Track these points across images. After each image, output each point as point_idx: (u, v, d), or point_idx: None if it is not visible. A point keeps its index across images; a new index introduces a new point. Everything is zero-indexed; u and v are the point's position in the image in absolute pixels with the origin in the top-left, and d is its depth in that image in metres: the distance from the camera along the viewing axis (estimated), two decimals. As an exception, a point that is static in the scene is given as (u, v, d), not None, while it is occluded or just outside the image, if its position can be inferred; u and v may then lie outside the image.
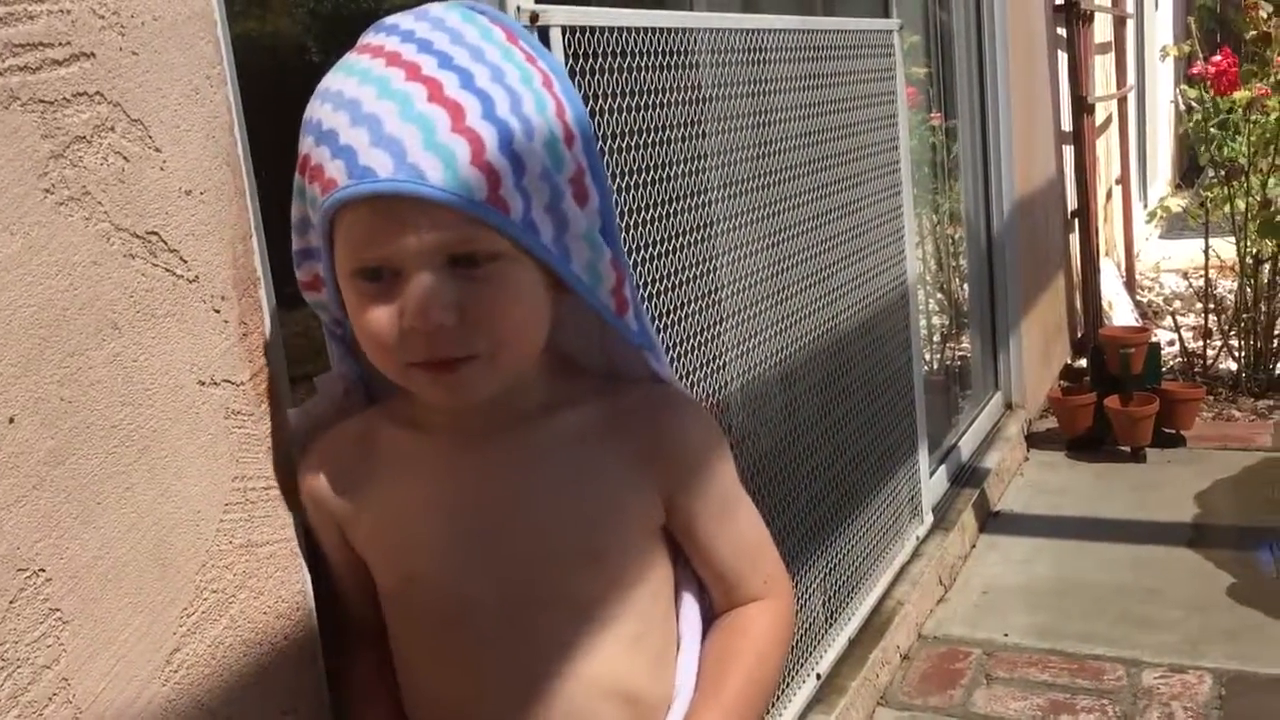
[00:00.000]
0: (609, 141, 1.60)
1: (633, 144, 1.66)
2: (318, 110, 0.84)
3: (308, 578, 0.99)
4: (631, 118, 1.65)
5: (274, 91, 1.23)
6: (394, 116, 0.79)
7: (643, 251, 1.71)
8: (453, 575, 0.92)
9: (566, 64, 1.46)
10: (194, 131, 0.88)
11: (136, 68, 0.83)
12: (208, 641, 0.88)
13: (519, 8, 1.38)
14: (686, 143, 1.83)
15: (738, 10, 2.33)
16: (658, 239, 1.74)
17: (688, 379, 1.78)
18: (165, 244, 0.85)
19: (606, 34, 1.54)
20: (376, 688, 1.00)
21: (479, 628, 0.92)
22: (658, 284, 1.75)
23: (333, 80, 0.85)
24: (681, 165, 1.81)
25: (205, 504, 0.88)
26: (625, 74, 1.62)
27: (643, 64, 1.67)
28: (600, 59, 1.53)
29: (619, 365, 0.99)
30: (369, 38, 0.89)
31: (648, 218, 1.71)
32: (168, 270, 0.85)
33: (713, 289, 1.91)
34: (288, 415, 1.00)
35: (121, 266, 0.82)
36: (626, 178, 1.65)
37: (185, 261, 0.87)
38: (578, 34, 1.49)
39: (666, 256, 1.77)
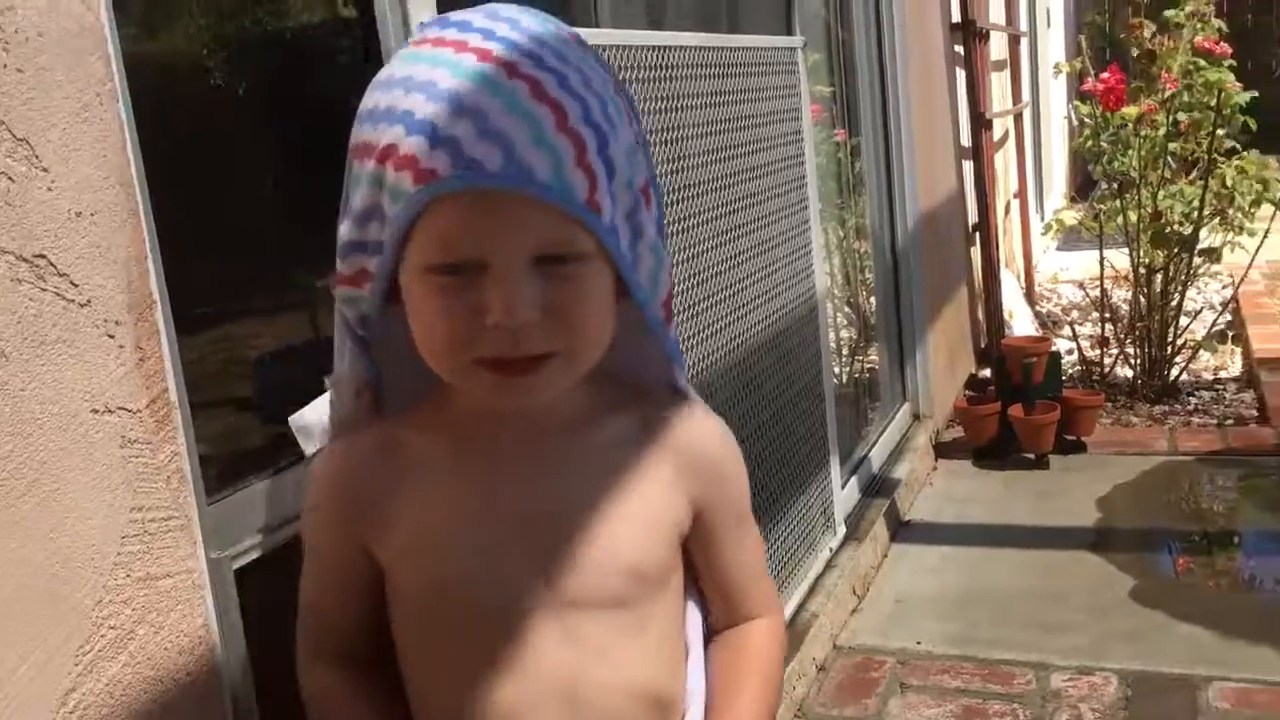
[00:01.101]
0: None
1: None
2: (401, 99, 0.81)
3: (212, 610, 0.96)
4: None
5: (171, 110, 1.20)
6: (500, 110, 0.78)
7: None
8: (496, 583, 0.90)
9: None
10: (83, 151, 0.85)
11: (21, 85, 0.80)
12: (105, 680, 0.85)
13: (423, 24, 1.36)
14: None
15: (643, 27, 2.33)
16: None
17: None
18: (54, 267, 0.82)
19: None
20: (361, 707, 0.97)
21: (519, 635, 0.90)
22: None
23: (412, 70, 0.83)
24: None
25: (101, 537, 0.85)
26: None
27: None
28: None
29: (641, 375, 0.99)
30: (438, 32, 0.86)
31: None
32: (57, 294, 0.82)
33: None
34: (302, 420, 0.95)
35: (8, 291, 0.78)
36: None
37: (76, 285, 0.84)
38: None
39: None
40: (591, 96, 0.83)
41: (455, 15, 0.87)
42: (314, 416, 0.98)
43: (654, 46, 1.96)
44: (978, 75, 4.51)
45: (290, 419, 0.98)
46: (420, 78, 0.81)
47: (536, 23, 0.86)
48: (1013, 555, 3.05)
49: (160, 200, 0.98)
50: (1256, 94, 4.26)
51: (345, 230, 0.87)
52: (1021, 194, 5.87)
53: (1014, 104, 5.78)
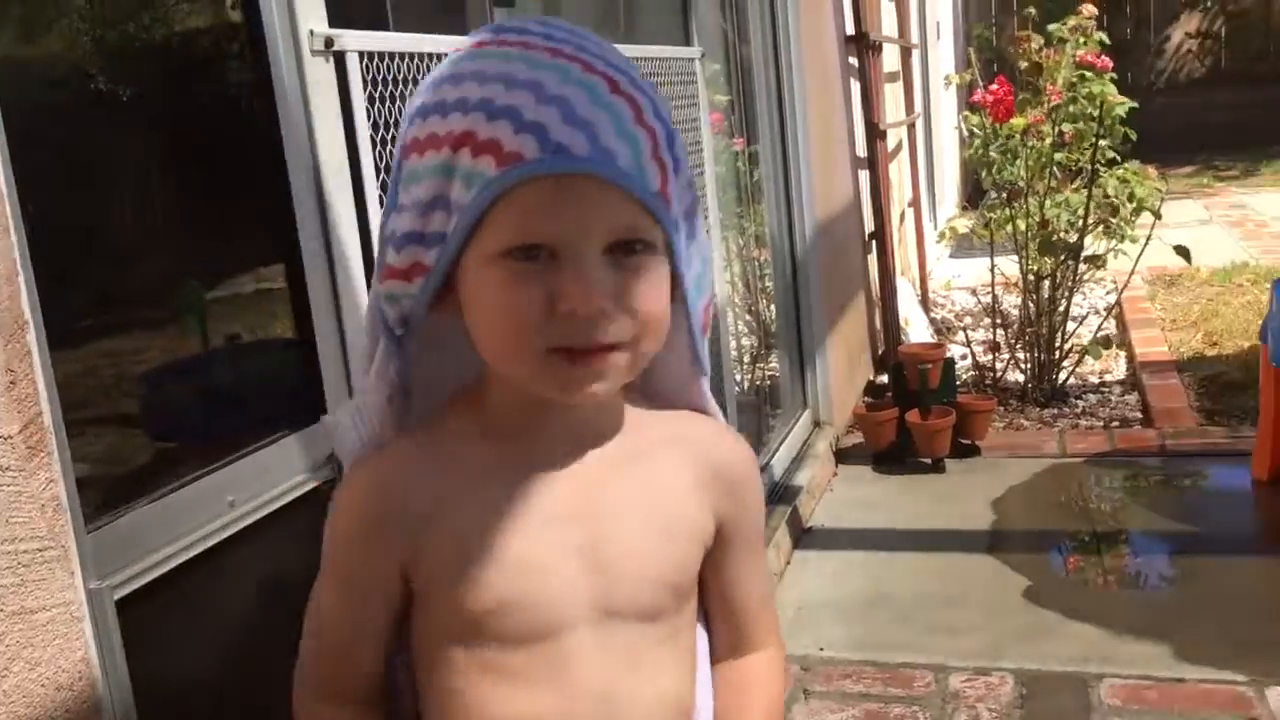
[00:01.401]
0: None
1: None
2: (475, 90, 0.81)
3: (92, 643, 0.92)
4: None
5: (47, 119, 1.15)
6: (585, 101, 0.80)
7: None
8: (544, 598, 0.89)
9: (365, 91, 1.42)
10: (-53, 163, 0.81)
11: (-123, 93, 0.76)
12: (-24, 722, 0.80)
13: (312, 32, 1.33)
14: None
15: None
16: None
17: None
18: (-85, 287, 0.78)
19: (406, 60, 1.50)
20: None
21: (561, 647, 0.90)
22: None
23: (482, 65, 0.83)
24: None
25: (-31, 571, 0.80)
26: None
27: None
28: (400, 85, 1.49)
29: (665, 387, 0.98)
30: (497, 35, 0.86)
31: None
32: (-81, 315, 0.78)
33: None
34: (334, 425, 0.91)
35: None
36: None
37: (-60, 306, 0.79)
38: (375, 60, 1.44)
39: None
40: (655, 94, 0.86)
41: (512, 22, 0.88)
42: (343, 418, 0.93)
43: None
44: (872, 86, 4.59)
45: (324, 419, 0.93)
46: (493, 70, 0.82)
47: (586, 31, 0.89)
48: (912, 559, 3.10)
49: (37, 213, 0.94)
50: (1136, 105, 4.41)
51: (402, 223, 0.86)
52: (915, 203, 5.99)
53: (907, 115, 5.90)
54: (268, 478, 1.26)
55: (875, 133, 4.60)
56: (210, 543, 1.16)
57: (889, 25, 5.44)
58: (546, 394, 0.86)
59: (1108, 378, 4.70)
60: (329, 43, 1.35)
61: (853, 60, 4.55)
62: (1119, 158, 4.39)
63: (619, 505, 0.92)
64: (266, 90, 1.32)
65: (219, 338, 1.40)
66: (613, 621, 0.91)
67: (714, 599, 1.01)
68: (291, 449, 1.30)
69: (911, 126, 5.93)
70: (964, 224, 5.66)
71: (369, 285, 1.43)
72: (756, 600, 1.03)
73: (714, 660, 1.03)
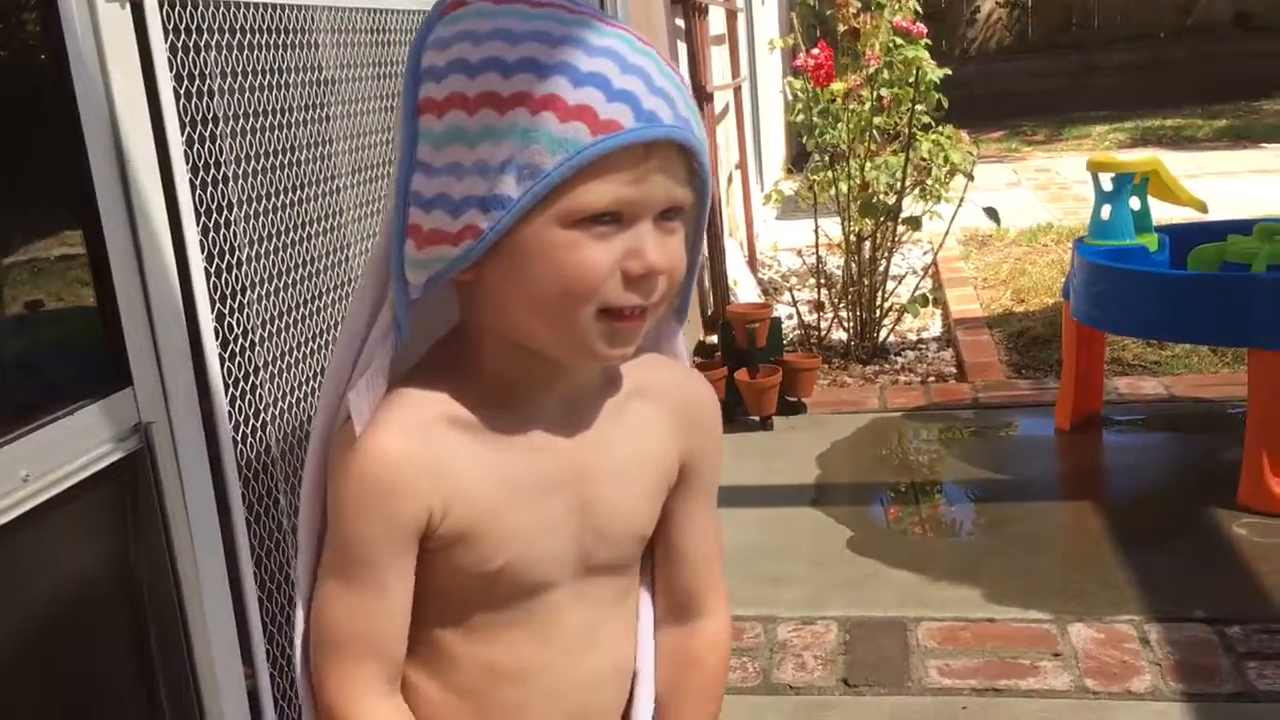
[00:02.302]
0: (224, 125, 1.49)
1: (252, 127, 1.56)
2: (544, 51, 0.81)
3: None
4: (248, 99, 1.55)
5: None
6: (656, 72, 0.84)
7: (271, 241, 1.61)
8: (547, 555, 0.92)
9: (167, 41, 1.34)
10: None
11: None
12: None
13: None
14: (311, 126, 1.75)
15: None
16: (286, 227, 1.65)
17: (324, 372, 1.70)
18: None
19: (211, 9, 1.43)
20: None
21: (550, 601, 0.93)
22: (289, 274, 1.66)
23: (536, 25, 0.83)
24: (307, 150, 1.73)
25: None
26: (237, 52, 1.51)
27: (257, 41, 1.56)
28: (207, 35, 1.42)
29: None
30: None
31: (273, 205, 1.61)
32: None
33: (346, 279, 1.83)
34: (355, 402, 0.87)
35: None
36: (247, 163, 1.54)
37: None
38: (178, 8, 1.37)
39: (297, 245, 1.68)
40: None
41: None
42: (363, 397, 0.88)
43: (370, 9, 1.88)
44: (698, 49, 4.62)
45: (348, 397, 0.88)
46: (557, 33, 0.82)
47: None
48: (741, 514, 3.17)
49: None
50: (949, 71, 4.57)
51: (462, 185, 0.82)
52: (742, 165, 6.08)
53: (733, 78, 5.97)
54: (67, 449, 1.19)
55: (703, 95, 4.64)
56: (1, 521, 1.09)
57: (715, -12, 5.48)
58: (577, 356, 0.89)
59: (925, 335, 4.90)
60: (125, -12, 1.27)
61: (679, 22, 4.57)
62: (933, 123, 4.55)
63: (607, 466, 0.95)
64: (57, 41, 1.24)
65: (15, 305, 1.31)
66: (589, 577, 0.95)
67: (662, 549, 1.02)
68: (94, 418, 1.23)
69: (738, 90, 6.00)
70: (789, 186, 5.78)
71: (175, 246, 1.37)
72: (705, 552, 1.05)
73: (658, 625, 1.04)
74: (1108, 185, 3.37)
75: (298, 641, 0.95)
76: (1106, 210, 3.35)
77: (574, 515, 0.93)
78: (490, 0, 0.85)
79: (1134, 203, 3.35)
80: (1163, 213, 3.58)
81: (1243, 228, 3.31)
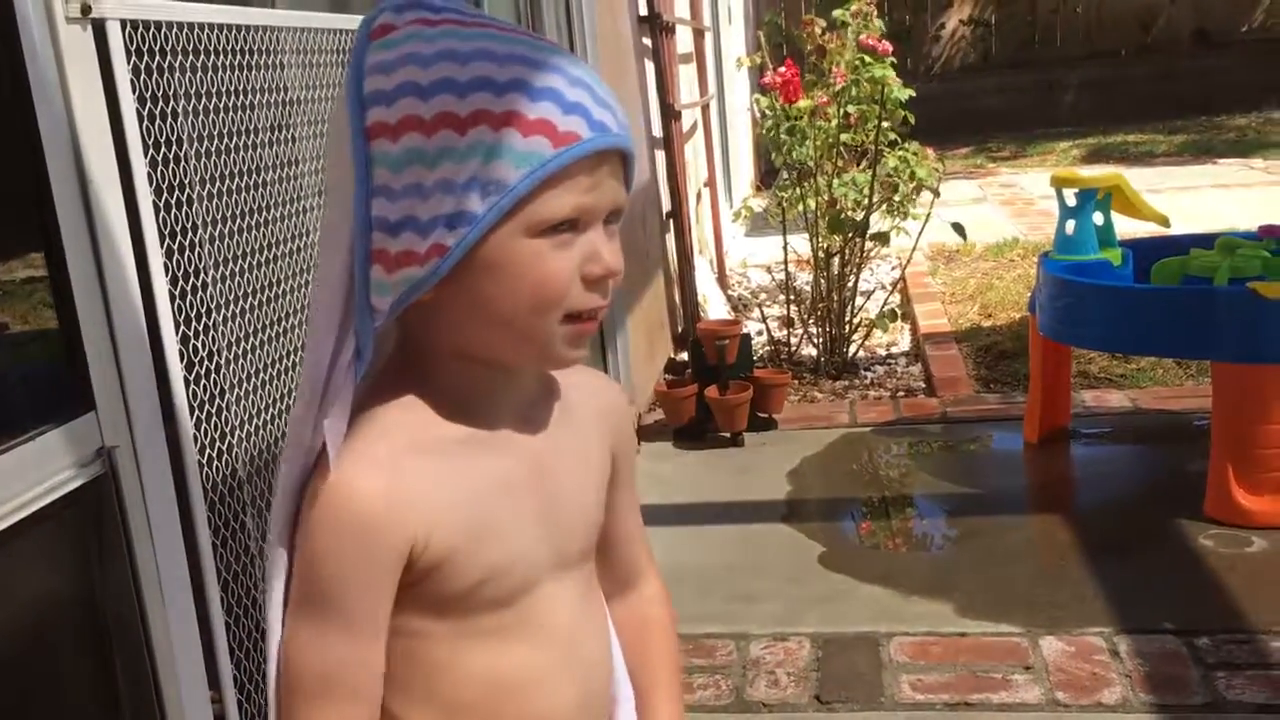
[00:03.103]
0: (188, 146, 1.48)
1: (217, 148, 1.55)
2: (494, 70, 0.84)
3: None
4: (212, 120, 1.54)
5: None
6: (594, 84, 0.88)
7: (237, 262, 1.60)
8: (525, 557, 0.94)
9: (129, 62, 1.33)
10: None
11: None
12: None
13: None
14: (276, 147, 1.74)
15: (325, 9, 2.24)
16: (252, 249, 1.64)
17: (292, 394, 1.68)
18: None
19: (174, 30, 1.42)
20: None
21: (533, 600, 0.95)
22: (256, 296, 1.65)
23: (477, 44, 0.85)
24: (273, 171, 1.72)
25: None
26: (200, 73, 1.50)
27: (220, 63, 1.56)
28: (169, 57, 1.41)
29: None
30: (440, 14, 0.87)
31: (239, 226, 1.60)
32: None
33: (313, 301, 1.82)
34: (333, 432, 0.85)
35: None
36: (212, 184, 1.53)
37: None
38: (140, 29, 1.36)
39: (263, 267, 1.67)
40: None
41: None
42: (339, 428, 0.87)
43: (335, 30, 1.88)
44: (666, 67, 4.64)
45: (325, 425, 0.86)
46: (502, 52, 0.85)
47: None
48: (713, 531, 3.17)
49: None
50: (914, 92, 4.61)
51: (427, 206, 0.84)
52: (711, 183, 6.11)
53: (701, 96, 6.00)
54: (29, 475, 1.17)
55: (670, 113, 4.66)
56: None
57: (681, 7, 5.52)
58: (540, 362, 0.93)
59: (894, 350, 4.92)
60: (86, 9, 1.26)
61: (646, 41, 4.59)
62: (900, 139, 4.58)
63: (561, 464, 0.98)
64: (18, 62, 1.22)
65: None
66: (564, 570, 0.98)
67: (603, 536, 1.06)
68: (56, 443, 1.22)
69: (706, 108, 6.03)
70: (758, 203, 5.80)
71: (139, 268, 1.35)
72: (637, 530, 1.11)
73: (608, 601, 1.09)
74: (1071, 201, 3.40)
75: (271, 674, 0.93)
76: (1070, 225, 3.39)
77: (542, 512, 0.95)
78: (421, 24, 0.86)
79: (1097, 218, 3.39)
80: (1126, 227, 3.63)
81: (1205, 242, 3.34)
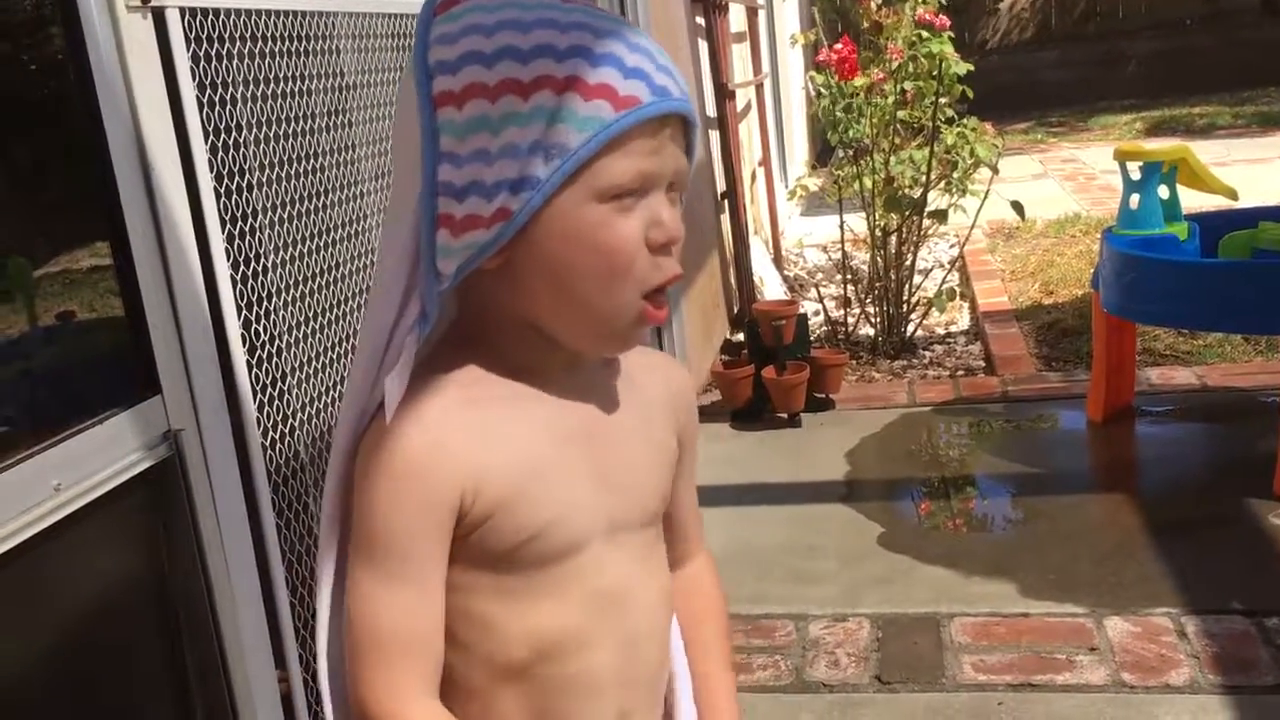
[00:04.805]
0: (247, 132, 1.49)
1: (274, 134, 1.57)
2: (556, 37, 0.84)
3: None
4: (270, 107, 1.56)
5: None
6: (655, 50, 0.88)
7: (296, 247, 1.62)
8: (578, 515, 0.94)
9: (188, 49, 1.35)
10: None
11: None
12: None
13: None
14: (333, 132, 1.75)
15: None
16: (310, 233, 1.66)
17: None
18: None
19: (232, 17, 1.43)
20: None
21: (583, 560, 0.95)
22: (314, 280, 1.67)
23: (540, 14, 0.86)
24: (329, 156, 1.73)
25: None
26: (258, 60, 1.52)
27: (277, 49, 1.57)
28: (228, 44, 1.43)
29: None
30: None
31: (298, 211, 1.62)
32: None
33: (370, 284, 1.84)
34: (390, 391, 0.87)
35: None
36: (269, 170, 1.55)
37: None
38: (199, 17, 1.37)
39: (321, 251, 1.69)
40: None
41: None
42: (396, 388, 0.89)
43: (390, 14, 1.89)
44: (719, 47, 4.61)
45: (386, 383, 0.88)
46: (564, 20, 0.85)
47: None
48: (770, 512, 3.16)
49: None
50: (972, 66, 4.54)
51: (492, 170, 0.84)
52: (766, 162, 6.06)
53: (755, 75, 5.95)
54: (98, 458, 1.20)
55: (724, 93, 4.63)
56: (33, 530, 1.09)
57: (734, -15, 5.47)
58: (607, 344, 0.94)
59: (953, 329, 4.86)
60: (146, -1, 1.27)
61: (700, 20, 4.56)
62: (957, 115, 4.52)
63: (620, 428, 0.98)
64: (80, 51, 1.24)
65: (45, 316, 1.32)
66: (620, 532, 0.97)
67: (664, 518, 1.07)
68: (124, 426, 1.24)
69: (760, 87, 5.99)
70: (814, 182, 5.76)
71: (201, 254, 1.37)
72: (694, 512, 1.13)
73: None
74: (1136, 174, 3.33)
75: (321, 638, 0.95)
76: (1135, 199, 3.32)
77: (595, 475, 0.95)
78: None
79: (1163, 191, 3.32)
80: (1192, 201, 3.55)
81: (1274, 214, 3.26)
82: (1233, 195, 3.48)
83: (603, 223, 0.86)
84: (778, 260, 5.85)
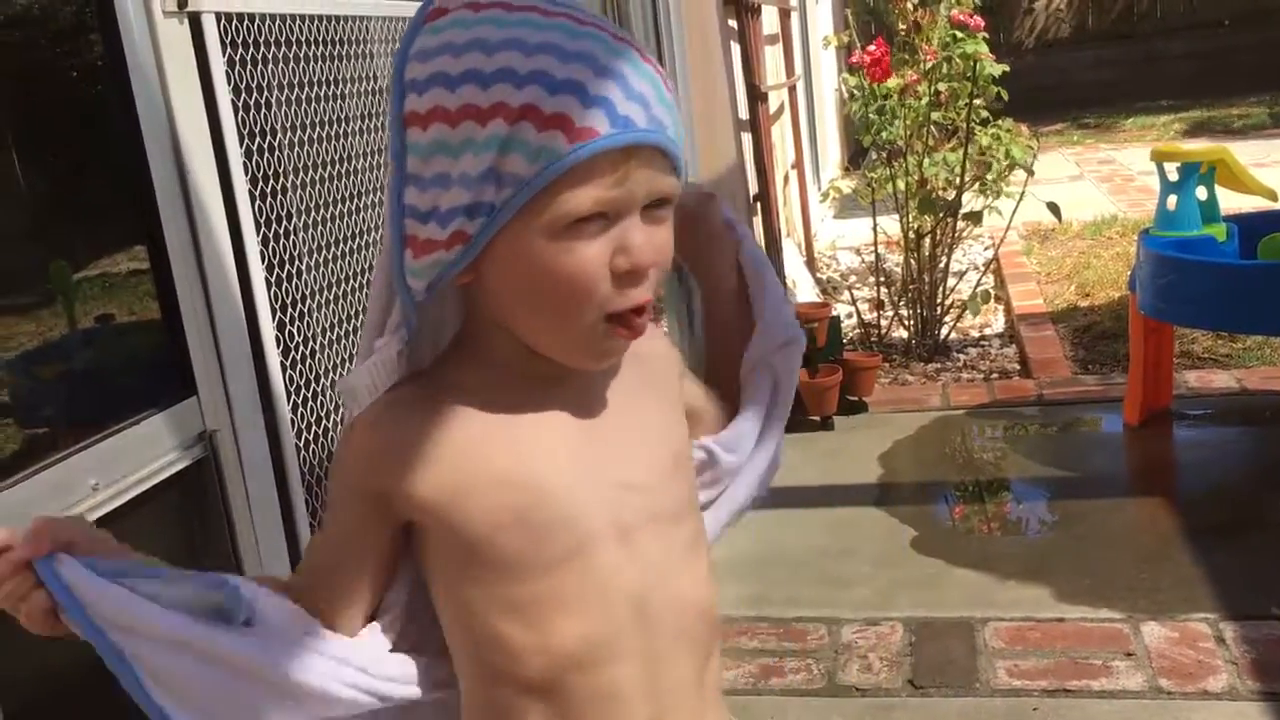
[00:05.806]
0: (282, 136, 1.51)
1: (309, 137, 1.58)
2: (519, 60, 0.82)
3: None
4: (305, 110, 1.57)
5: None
6: (633, 73, 0.85)
7: (330, 249, 1.63)
8: (581, 519, 0.93)
9: (224, 54, 1.37)
10: None
11: None
12: None
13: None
14: (366, 135, 1.76)
15: (413, -1, 2.26)
16: (344, 236, 1.67)
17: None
18: None
19: (267, 21, 1.45)
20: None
21: (595, 564, 0.93)
22: (348, 282, 1.68)
23: (510, 33, 0.83)
24: (364, 159, 1.74)
25: None
26: (293, 64, 1.53)
27: (312, 53, 1.58)
28: (264, 49, 1.44)
29: None
30: None
31: (332, 214, 1.63)
32: None
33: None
34: (349, 389, 0.90)
35: None
36: (304, 174, 1.56)
37: None
38: (235, 21, 1.39)
39: (355, 254, 1.70)
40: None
41: None
42: (360, 380, 0.92)
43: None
44: (752, 49, 4.60)
45: (338, 384, 0.92)
46: (532, 40, 0.83)
47: None
48: (803, 515, 3.15)
49: None
50: (1007, 67, 4.50)
51: (449, 196, 0.85)
52: (798, 164, 6.05)
53: (787, 77, 5.94)
54: (134, 458, 1.21)
55: (757, 95, 4.62)
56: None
57: (767, -13, 5.46)
58: (581, 360, 0.91)
59: (987, 331, 4.83)
60: (182, 3, 1.29)
61: (732, 23, 4.56)
62: (992, 116, 4.48)
63: (622, 427, 0.97)
64: (118, 56, 1.26)
65: (84, 318, 1.34)
66: (635, 534, 0.95)
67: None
68: (160, 427, 1.26)
69: (792, 89, 5.97)
70: (847, 185, 5.73)
71: (236, 256, 1.39)
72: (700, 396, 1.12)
73: None
74: (1173, 175, 3.30)
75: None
76: (1172, 201, 3.28)
77: (593, 471, 0.94)
78: (469, 8, 0.86)
79: (1201, 192, 3.28)
80: (1231, 202, 3.50)
81: (1315, 215, 3.22)
82: (1272, 196, 3.43)
83: (563, 249, 0.85)
84: (810, 263, 5.83)
